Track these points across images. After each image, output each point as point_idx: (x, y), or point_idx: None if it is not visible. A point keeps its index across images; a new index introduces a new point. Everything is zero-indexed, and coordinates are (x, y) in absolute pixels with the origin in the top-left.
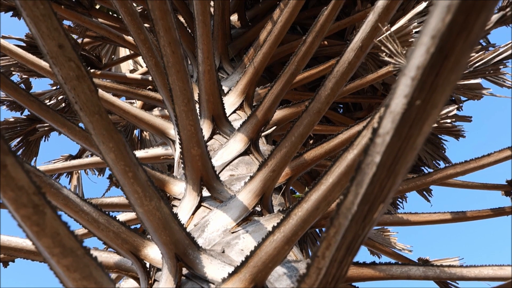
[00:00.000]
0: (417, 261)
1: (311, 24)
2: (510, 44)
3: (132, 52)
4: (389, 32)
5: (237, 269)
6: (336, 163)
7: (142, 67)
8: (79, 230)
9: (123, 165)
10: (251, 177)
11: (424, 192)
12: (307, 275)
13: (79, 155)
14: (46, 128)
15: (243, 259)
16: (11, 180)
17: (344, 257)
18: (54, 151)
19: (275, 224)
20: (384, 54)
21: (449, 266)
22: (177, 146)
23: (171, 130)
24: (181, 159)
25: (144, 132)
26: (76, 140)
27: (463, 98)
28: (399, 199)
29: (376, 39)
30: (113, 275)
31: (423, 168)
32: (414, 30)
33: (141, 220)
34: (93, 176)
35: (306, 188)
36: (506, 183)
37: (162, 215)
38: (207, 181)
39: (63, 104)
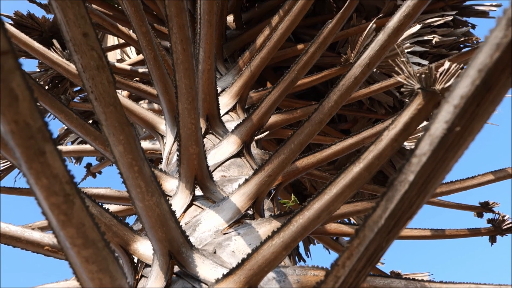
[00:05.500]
0: (389, 274)
1: (305, 32)
2: None
3: (122, 41)
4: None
5: (232, 271)
6: (342, 175)
7: (129, 57)
8: None
9: (131, 159)
10: (246, 180)
11: None
12: (324, 282)
13: (58, 142)
14: None
15: (239, 261)
16: (47, 168)
17: (363, 267)
18: None
19: (275, 229)
20: (399, 75)
21: (430, 281)
22: (168, 141)
23: (161, 125)
24: (177, 156)
25: None
26: (72, 128)
27: None
28: None
29: (383, 57)
30: None
31: None
32: (406, 51)
33: (139, 214)
34: (70, 164)
35: (298, 198)
36: (479, 205)
37: (161, 211)
38: (201, 180)
39: (47, 87)
